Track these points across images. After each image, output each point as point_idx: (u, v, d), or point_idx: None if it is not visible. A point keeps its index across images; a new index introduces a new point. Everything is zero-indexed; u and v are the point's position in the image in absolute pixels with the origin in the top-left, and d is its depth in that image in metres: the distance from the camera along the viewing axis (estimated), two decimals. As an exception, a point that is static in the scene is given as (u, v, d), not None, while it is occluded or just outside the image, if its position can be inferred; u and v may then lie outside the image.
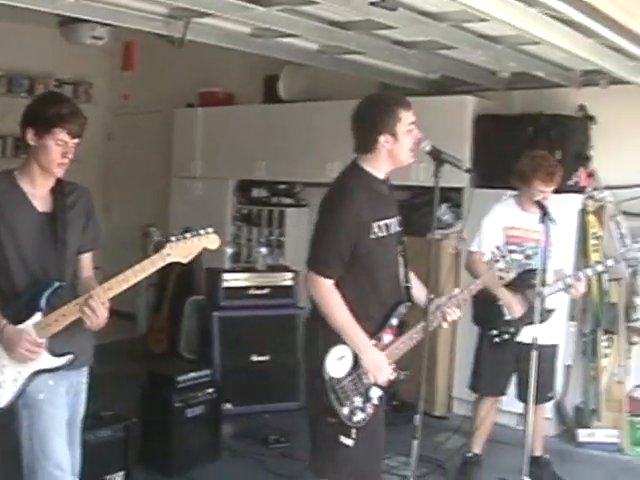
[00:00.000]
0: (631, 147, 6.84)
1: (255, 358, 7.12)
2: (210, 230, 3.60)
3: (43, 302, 3.56)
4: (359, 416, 3.80)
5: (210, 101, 9.64)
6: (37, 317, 3.56)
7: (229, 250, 7.99)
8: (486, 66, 6.81)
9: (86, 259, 3.88)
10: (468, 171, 3.97)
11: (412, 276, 4.11)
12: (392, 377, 3.91)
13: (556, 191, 5.62)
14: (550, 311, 5.39)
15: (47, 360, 3.59)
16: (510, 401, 5.89)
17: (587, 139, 6.99)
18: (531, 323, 5.09)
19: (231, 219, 9.34)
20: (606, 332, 6.79)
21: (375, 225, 3.82)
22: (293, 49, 6.37)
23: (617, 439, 6.57)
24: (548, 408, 6.30)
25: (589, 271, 5.43)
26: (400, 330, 3.96)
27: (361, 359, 3.79)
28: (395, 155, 3.86)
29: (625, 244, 6.60)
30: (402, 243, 4.06)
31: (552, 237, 5.20)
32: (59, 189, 3.74)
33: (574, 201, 6.79)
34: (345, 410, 3.77)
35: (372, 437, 3.92)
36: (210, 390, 5.90)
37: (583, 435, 6.66)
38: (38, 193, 3.69)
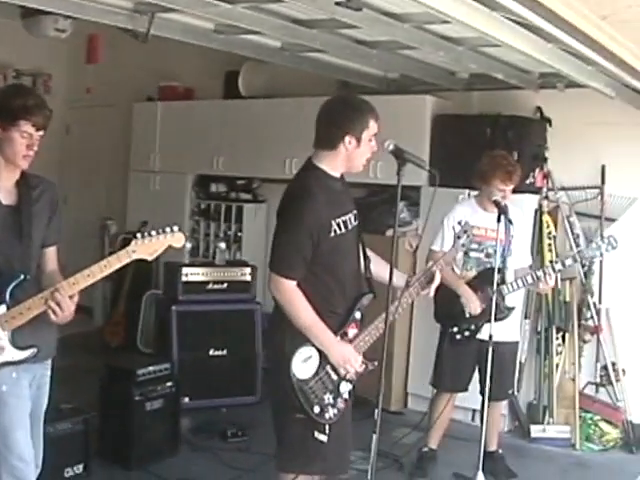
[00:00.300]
0: (585, 149, 6.96)
1: (213, 352, 7.14)
2: (175, 228, 3.60)
3: (7, 295, 3.55)
4: (331, 412, 3.85)
5: (170, 95, 9.62)
6: (2, 310, 3.55)
7: (188, 245, 8.00)
8: (446, 67, 6.88)
9: (51, 252, 3.88)
10: (431, 171, 4.02)
11: (371, 254, 4.16)
12: (361, 369, 3.96)
13: (514, 191, 5.73)
14: (510, 309, 5.50)
15: (11, 353, 3.58)
16: (466, 397, 6.00)
17: (543, 140, 7.11)
18: (493, 320, 5.21)
19: (189, 214, 9.35)
20: (559, 330, 6.93)
21: (334, 223, 3.86)
22: (255, 46, 6.37)
23: (569, 435, 6.70)
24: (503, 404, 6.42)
25: (558, 266, 5.43)
26: (363, 323, 4.01)
27: (329, 356, 3.83)
28: (352, 159, 3.91)
29: (578, 244, 6.74)
30: (360, 237, 4.11)
31: (511, 236, 5.33)
32: (24, 182, 3.73)
33: (530, 201, 6.90)
34: (316, 408, 3.82)
35: (342, 429, 3.97)
36: (169, 384, 5.91)
37: (535, 431, 6.78)
38: (3, 186, 3.68)
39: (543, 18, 3.90)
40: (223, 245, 7.94)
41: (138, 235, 3.56)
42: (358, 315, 3.98)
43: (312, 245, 3.81)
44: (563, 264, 5.41)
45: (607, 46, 4.39)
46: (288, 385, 3.79)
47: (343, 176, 4.04)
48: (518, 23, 4.33)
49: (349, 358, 3.88)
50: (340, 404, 3.89)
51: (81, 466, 5.29)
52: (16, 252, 3.64)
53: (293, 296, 3.80)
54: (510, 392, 5.89)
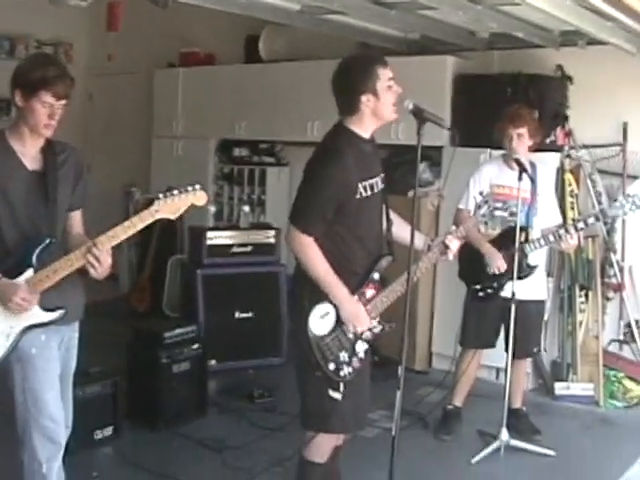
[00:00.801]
0: (607, 107, 6.92)
1: (238, 315, 7.21)
2: (197, 187, 3.66)
3: (34, 258, 3.61)
4: (345, 370, 3.90)
5: (191, 61, 9.65)
6: (29, 273, 3.61)
7: (212, 208, 8.06)
8: (466, 26, 6.87)
9: (76, 216, 3.95)
10: (450, 129, 4.03)
11: (394, 216, 4.19)
12: (377, 330, 4.01)
13: (536, 150, 5.75)
14: (533, 267, 5.53)
15: (39, 315, 3.66)
16: (490, 355, 6.04)
17: (564, 99, 7.08)
18: (516, 279, 5.25)
19: (213, 178, 9.41)
20: (582, 288, 6.95)
21: (361, 185, 3.87)
22: (275, 9, 6.39)
23: (592, 392, 6.73)
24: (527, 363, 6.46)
25: (580, 224, 5.40)
26: (382, 284, 4.04)
27: (340, 309, 3.87)
28: (379, 113, 3.91)
29: (601, 202, 6.75)
30: (385, 200, 4.15)
31: (538, 195, 5.35)
32: (49, 148, 3.79)
33: (552, 159, 6.89)
34: (331, 365, 3.87)
35: (359, 389, 4.02)
36: (195, 346, 5.99)
37: (559, 388, 6.82)
38: (28, 152, 3.74)
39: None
40: (247, 208, 7.99)
41: (160, 195, 3.61)
42: (376, 276, 4.01)
43: (336, 205, 3.83)
44: (585, 223, 5.39)
45: (625, 0, 4.37)
46: (305, 341, 3.85)
47: (373, 138, 4.05)
48: (536, -20, 4.34)
49: (358, 316, 3.91)
50: (355, 363, 3.94)
51: (110, 428, 5.37)
52: (42, 216, 3.71)
53: (308, 248, 3.84)
54: (535, 350, 5.93)
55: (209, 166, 9.41)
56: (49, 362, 3.78)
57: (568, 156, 6.99)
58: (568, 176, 6.94)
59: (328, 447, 4.10)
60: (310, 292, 3.88)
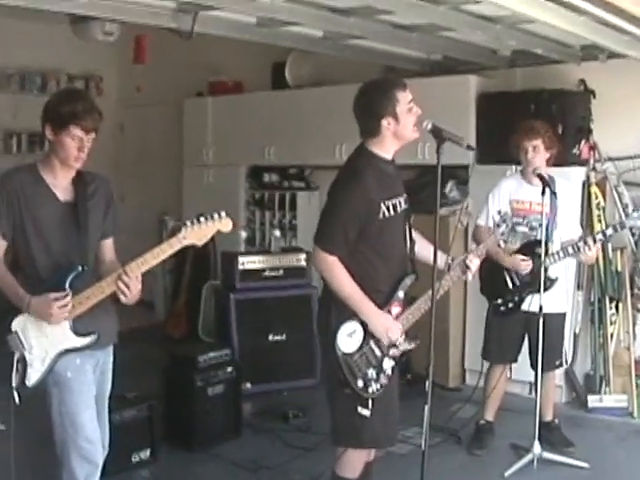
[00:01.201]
0: (630, 119, 6.98)
1: (272, 337, 7.29)
2: (223, 214, 3.76)
3: (67, 285, 3.73)
4: (373, 387, 3.96)
5: (219, 90, 9.78)
6: None
7: (243, 234, 8.16)
8: (487, 45, 6.93)
9: (108, 245, 4.08)
10: (469, 148, 4.07)
11: (417, 235, 4.27)
12: (403, 347, 4.07)
13: (559, 164, 5.82)
14: (554, 280, 5.57)
15: (72, 340, 3.79)
16: (522, 370, 6.08)
17: (588, 113, 7.11)
18: (535, 292, 5.31)
19: (244, 204, 9.50)
20: (612, 300, 6.96)
21: (384, 205, 3.96)
22: (298, 37, 6.51)
23: (626, 403, 6.73)
24: (558, 376, 6.48)
25: (599, 236, 5.48)
26: (406, 302, 4.11)
27: (370, 325, 3.93)
28: (399, 134, 4.01)
29: (627, 214, 6.77)
30: (409, 220, 4.22)
31: (557, 208, 5.40)
32: (80, 179, 3.92)
33: (577, 173, 6.94)
34: (359, 383, 3.93)
35: (387, 405, 4.07)
36: (230, 369, 6.06)
37: (593, 401, 6.82)
38: (60, 184, 3.88)
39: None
40: (278, 233, 8.09)
41: (187, 222, 3.72)
42: (401, 294, 4.08)
43: (358, 225, 3.91)
44: (604, 234, 5.47)
45: (637, 14, 4.43)
46: (334, 359, 3.91)
47: (394, 160, 4.14)
48: (548, -1, 4.41)
49: (390, 327, 3.97)
50: (383, 380, 3.99)
51: (147, 451, 5.47)
52: (74, 245, 3.85)
53: (334, 267, 3.91)
54: (558, 363, 5.92)
55: (240, 192, 9.51)
56: (84, 385, 3.90)
57: (593, 169, 7.03)
58: (594, 189, 6.97)
59: (359, 463, 4.16)
60: (336, 311, 3.96)
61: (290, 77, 8.94)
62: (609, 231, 5.44)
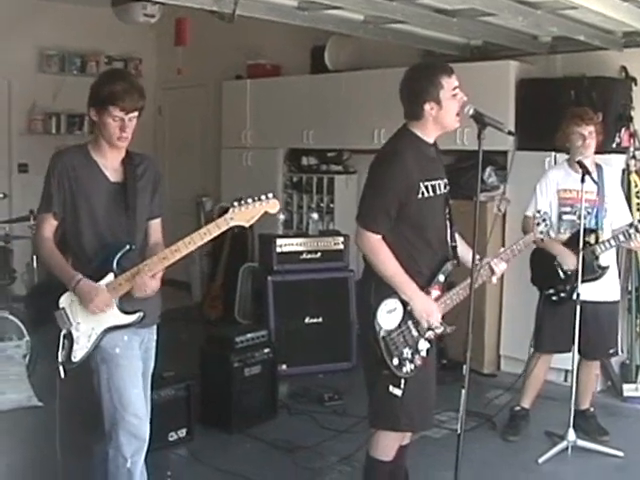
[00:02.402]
0: (672, 107, 6.92)
1: (308, 320, 7.34)
2: (270, 195, 3.82)
3: (114, 264, 3.83)
4: (407, 367, 3.98)
5: (258, 73, 9.80)
6: (109, 277, 3.84)
7: (281, 217, 8.17)
8: (527, 31, 6.91)
9: (155, 225, 4.17)
10: (510, 133, 4.07)
11: (458, 237, 4.30)
12: (440, 330, 4.09)
13: (600, 152, 5.79)
14: (604, 268, 5.55)
15: (119, 317, 3.87)
16: (559, 358, 6.05)
17: (629, 100, 7.07)
18: (587, 281, 5.29)
19: (282, 187, 9.53)
20: (650, 288, 6.93)
21: (422, 185, 3.98)
22: (339, 20, 6.52)
23: (661, 393, 6.71)
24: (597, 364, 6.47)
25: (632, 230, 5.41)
26: (446, 287, 4.13)
27: (411, 305, 3.96)
28: (441, 121, 4.03)
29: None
30: (448, 205, 4.23)
31: (605, 196, 5.38)
32: (129, 160, 4.01)
33: (618, 161, 6.90)
34: (395, 361, 3.96)
35: (422, 388, 4.09)
36: (266, 350, 6.12)
37: (628, 390, 6.81)
38: (110, 165, 3.96)
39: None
40: (315, 215, 8.11)
41: (235, 203, 3.78)
42: (442, 278, 4.10)
43: (398, 203, 3.94)
44: None
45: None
46: (372, 335, 3.94)
47: (436, 144, 4.16)
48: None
49: (431, 310, 4.00)
50: (417, 361, 4.01)
51: (184, 430, 5.56)
52: (122, 225, 3.93)
53: (377, 247, 3.95)
54: (612, 351, 5.91)
55: (278, 175, 9.54)
56: (132, 361, 3.98)
57: (633, 157, 6.98)
58: (634, 177, 6.93)
59: (394, 445, 4.20)
60: (378, 288, 3.98)
61: (329, 61, 8.93)
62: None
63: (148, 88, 10.91)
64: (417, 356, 4.02)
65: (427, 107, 3.98)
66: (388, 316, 3.97)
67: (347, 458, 5.30)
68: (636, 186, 6.91)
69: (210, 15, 5.96)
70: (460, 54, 7.79)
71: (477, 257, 4.15)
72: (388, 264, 3.95)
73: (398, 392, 3.99)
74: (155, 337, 4.20)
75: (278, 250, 7.40)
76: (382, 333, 3.94)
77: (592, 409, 6.01)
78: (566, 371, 6.81)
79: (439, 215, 4.16)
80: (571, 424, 5.42)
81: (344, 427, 5.84)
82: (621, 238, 5.45)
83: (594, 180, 5.40)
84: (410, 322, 4.01)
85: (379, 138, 7.80)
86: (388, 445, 4.18)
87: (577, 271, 5.43)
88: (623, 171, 6.93)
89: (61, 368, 3.84)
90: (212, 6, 5.71)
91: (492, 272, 4.23)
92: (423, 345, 4.04)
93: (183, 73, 10.12)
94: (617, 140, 6.90)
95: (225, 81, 10.08)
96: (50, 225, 3.94)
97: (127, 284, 3.83)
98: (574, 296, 5.51)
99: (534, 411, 6.08)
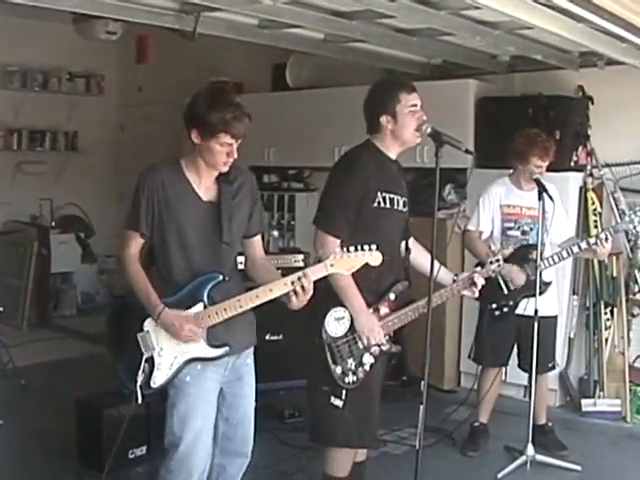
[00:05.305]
0: (628, 125, 7.03)
1: (269, 337, 7.31)
2: (374, 247, 3.63)
3: (205, 295, 3.70)
4: (350, 378, 4.05)
5: (220, 91, 9.79)
6: (199, 307, 3.70)
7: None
8: (486, 50, 6.98)
9: (256, 242, 4.03)
10: (468, 152, 4.11)
11: (417, 246, 4.36)
12: (385, 348, 4.14)
13: (557, 170, 5.87)
14: (548, 284, 5.63)
15: (203, 349, 3.74)
16: (516, 373, 6.13)
17: (586, 119, 7.17)
18: (529, 296, 5.35)
19: (243, 204, 9.50)
20: (607, 305, 7.02)
21: (380, 195, 4.05)
22: (299, 39, 6.55)
23: (619, 408, 6.78)
24: (553, 379, 6.54)
25: (592, 240, 5.48)
26: (396, 305, 4.18)
27: (355, 321, 4.02)
28: (399, 135, 4.10)
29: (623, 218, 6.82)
30: (407, 226, 4.28)
31: (549, 213, 5.45)
32: (224, 177, 3.82)
33: (575, 179, 7.00)
34: (338, 369, 4.03)
35: (364, 403, 4.14)
36: (226, 368, 6.08)
37: (586, 405, 6.87)
38: (203, 183, 3.80)
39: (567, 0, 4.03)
40: (276, 233, 8.13)
41: (337, 249, 3.64)
42: (392, 297, 4.16)
43: (356, 209, 4.00)
44: (615, 230, 5.52)
45: (635, 23, 4.48)
46: (317, 340, 4.03)
47: (398, 162, 4.24)
48: (546, 5, 4.45)
49: (373, 329, 4.04)
50: (360, 373, 4.07)
51: (144, 448, 5.53)
52: (215, 250, 3.76)
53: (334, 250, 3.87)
54: (550, 365, 5.98)
55: (239, 193, 9.49)
56: (201, 390, 3.83)
57: (590, 175, 7.09)
58: (591, 195, 7.03)
59: (345, 461, 4.24)
60: (327, 294, 3.98)
61: (290, 79, 8.97)
62: (602, 236, 5.42)
63: (110, 105, 10.99)
64: (360, 369, 4.08)
65: (383, 120, 4.07)
66: (335, 323, 4.03)
67: (308, 474, 5.30)
68: (593, 203, 7.01)
69: (172, 33, 5.98)
70: (420, 73, 7.86)
71: (453, 274, 4.24)
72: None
73: (339, 403, 4.05)
74: (249, 360, 4.17)
75: (239, 267, 7.35)
76: (328, 339, 4.02)
77: (550, 424, 6.08)
78: (525, 387, 6.88)
79: (395, 232, 4.22)
80: (530, 439, 5.46)
81: (305, 444, 5.82)
82: (565, 255, 5.54)
83: (550, 197, 5.47)
84: (357, 334, 4.06)
85: (340, 156, 7.81)
86: (339, 460, 4.24)
87: (522, 286, 5.53)
88: (580, 189, 7.04)
89: (139, 392, 3.77)
90: (174, 24, 5.74)
91: (473, 284, 4.30)
92: (368, 359, 4.10)
93: (144, 90, 10.15)
94: (574, 158, 6.99)
95: (187, 99, 10.03)
96: (137, 242, 3.80)
97: (216, 317, 3.68)
98: (517, 310, 5.63)
99: (494, 426, 6.13)
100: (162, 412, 5.68)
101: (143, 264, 3.81)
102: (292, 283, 3.61)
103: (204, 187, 3.80)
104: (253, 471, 5.40)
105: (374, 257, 3.64)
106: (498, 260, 4.51)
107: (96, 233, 10.92)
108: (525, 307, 5.55)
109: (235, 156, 3.72)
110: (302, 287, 3.59)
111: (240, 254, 3.98)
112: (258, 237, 4.04)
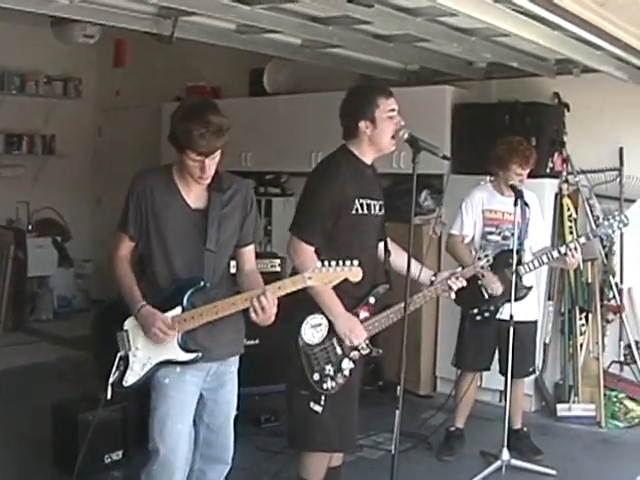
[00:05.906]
0: (603, 132, 7.11)
1: (245, 342, 7.29)
2: (355, 263, 3.60)
3: (185, 299, 3.68)
4: (329, 384, 4.04)
5: (197, 95, 9.75)
6: (177, 311, 3.69)
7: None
8: (462, 57, 7.03)
9: (247, 252, 3.97)
10: (445, 157, 4.12)
11: (395, 247, 4.35)
12: (365, 352, 4.13)
13: (533, 176, 5.90)
14: (528, 288, 5.67)
15: (175, 352, 3.71)
16: (492, 378, 6.17)
17: (561, 125, 7.23)
18: (510, 301, 5.38)
19: (220, 209, 9.48)
20: (582, 311, 7.06)
21: (357, 202, 4.05)
22: (277, 44, 6.55)
23: (594, 413, 6.82)
24: (528, 385, 6.57)
25: (575, 243, 5.47)
26: (376, 309, 4.19)
27: (335, 324, 4.01)
28: (376, 141, 4.10)
29: (599, 226, 6.87)
30: (384, 227, 4.30)
31: (528, 219, 5.48)
32: (217, 185, 3.76)
33: (550, 185, 7.05)
34: (316, 376, 4.03)
35: (343, 408, 4.13)
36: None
37: (561, 410, 6.92)
38: (193, 189, 3.75)
39: (542, 7, 4.05)
40: (253, 238, 8.10)
41: (317, 264, 3.62)
42: (372, 300, 4.17)
43: (333, 217, 4.00)
44: (587, 237, 5.53)
45: (609, 31, 4.52)
46: (294, 347, 4.01)
47: (374, 166, 4.24)
48: (522, 13, 4.48)
49: (354, 329, 4.04)
50: (339, 379, 4.07)
51: (120, 452, 5.51)
52: (195, 257, 3.72)
53: (310, 260, 3.91)
54: (531, 370, 6.03)
55: (216, 197, 9.48)
56: (181, 393, 3.81)
57: (566, 181, 7.14)
58: (566, 201, 7.08)
59: (320, 466, 4.23)
60: (305, 302, 3.97)
61: (268, 84, 8.97)
62: (582, 240, 5.47)
63: (88, 109, 10.95)
64: (339, 374, 4.07)
65: (362, 125, 4.06)
66: (312, 330, 4.03)
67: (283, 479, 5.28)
68: (568, 210, 7.05)
69: (150, 37, 5.97)
70: (397, 79, 7.88)
71: (433, 274, 4.25)
72: None
73: (318, 408, 4.05)
74: (233, 369, 4.10)
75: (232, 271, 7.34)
76: (304, 347, 4.01)
77: (525, 429, 6.11)
78: (500, 392, 6.91)
79: (372, 236, 4.23)
80: (505, 444, 5.48)
81: (281, 448, 5.83)
82: (545, 260, 5.55)
83: (526, 203, 5.50)
84: (335, 340, 4.07)
85: (317, 161, 7.63)
86: (314, 465, 4.23)
87: (502, 292, 5.55)
88: (556, 195, 7.09)
89: (110, 389, 3.78)
90: (151, 28, 5.73)
91: (449, 288, 4.31)
92: (347, 364, 4.09)
93: (122, 94, 10.12)
94: (550, 165, 7.03)
95: (165, 103, 10.06)
96: (126, 244, 3.82)
97: (192, 321, 3.66)
98: (498, 315, 5.65)
99: (470, 431, 6.15)
100: (138, 417, 5.78)
101: (134, 273, 3.83)
102: (251, 300, 3.59)
103: (193, 195, 3.76)
104: (228, 474, 5.45)
105: (354, 273, 3.62)
106: (487, 256, 4.53)
107: (73, 237, 10.86)
108: (506, 312, 5.55)
109: (210, 172, 3.64)
110: (261, 305, 3.56)
111: (233, 258, 3.96)
112: (249, 248, 3.98)
